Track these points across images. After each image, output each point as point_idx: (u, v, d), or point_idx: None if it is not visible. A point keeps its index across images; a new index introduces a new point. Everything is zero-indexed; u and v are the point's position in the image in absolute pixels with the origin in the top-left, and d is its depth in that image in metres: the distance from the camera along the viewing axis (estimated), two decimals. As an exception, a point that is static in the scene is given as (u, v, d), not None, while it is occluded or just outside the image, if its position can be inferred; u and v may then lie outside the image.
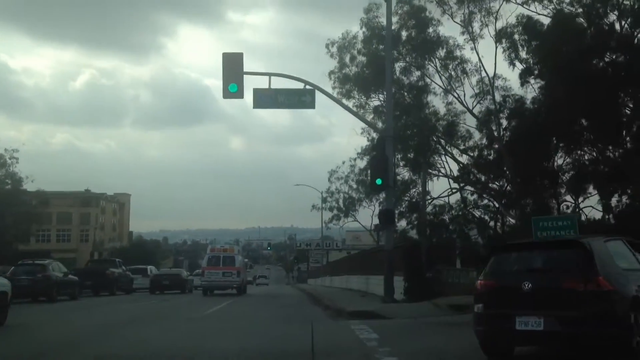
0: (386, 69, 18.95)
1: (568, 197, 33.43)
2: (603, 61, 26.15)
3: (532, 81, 31.07)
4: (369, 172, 27.05)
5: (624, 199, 34.34)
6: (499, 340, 7.28)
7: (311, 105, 18.64)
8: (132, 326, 12.97)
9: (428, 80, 30.44)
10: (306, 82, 18.74)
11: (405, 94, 30.54)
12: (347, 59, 30.59)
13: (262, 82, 18.81)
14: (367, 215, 51.96)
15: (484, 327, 7.24)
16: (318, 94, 18.88)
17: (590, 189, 33.02)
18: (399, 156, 33.93)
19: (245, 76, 18.44)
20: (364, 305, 16.64)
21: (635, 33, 25.60)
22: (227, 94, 18.23)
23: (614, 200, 35.04)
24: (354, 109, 32.27)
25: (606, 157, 29.25)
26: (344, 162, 44.99)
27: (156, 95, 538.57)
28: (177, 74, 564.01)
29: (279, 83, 19.30)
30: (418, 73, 29.98)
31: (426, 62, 30.29)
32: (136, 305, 21.25)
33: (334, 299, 21.33)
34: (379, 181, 17.51)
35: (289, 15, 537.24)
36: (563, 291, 6.75)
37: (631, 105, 26.27)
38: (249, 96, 18.90)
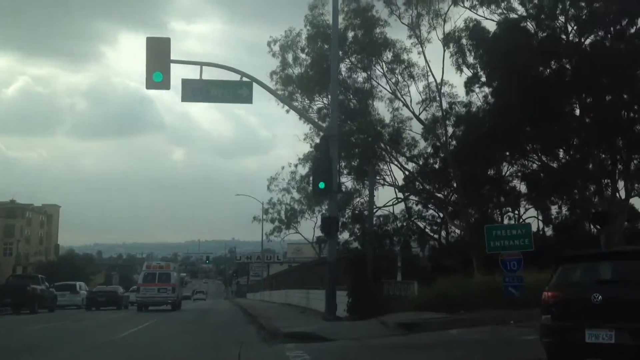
0: (331, 52, 17.25)
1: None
2: (550, 68, 25.63)
3: (477, 90, 30.49)
4: (311, 178, 25.27)
5: (564, 210, 34.16)
6: (568, 353, 7.08)
7: (248, 99, 16.70)
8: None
9: (374, 82, 29.14)
10: (243, 74, 16.81)
11: (351, 96, 29.06)
12: (290, 59, 28.89)
13: (194, 75, 16.79)
14: (309, 227, 50.16)
15: (552, 339, 7.10)
16: (259, 96, 16.89)
17: (530, 199, 32.75)
18: (343, 164, 32.43)
19: (175, 68, 16.32)
20: (303, 325, 14.73)
21: (583, 39, 25.22)
22: (150, 84, 16.04)
23: (554, 212, 34.86)
24: (297, 113, 30.59)
25: (550, 167, 28.77)
26: (283, 168, 42.31)
27: (94, 104, 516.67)
28: (116, 83, 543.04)
29: (212, 76, 17.35)
30: (364, 74, 28.61)
31: (372, 65, 28.97)
32: (45, 327, 18.49)
33: (270, 316, 19.30)
34: (321, 185, 15.76)
35: (234, 26, 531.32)
36: (635, 303, 6.49)
37: (577, 114, 25.80)
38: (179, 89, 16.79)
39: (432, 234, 35.53)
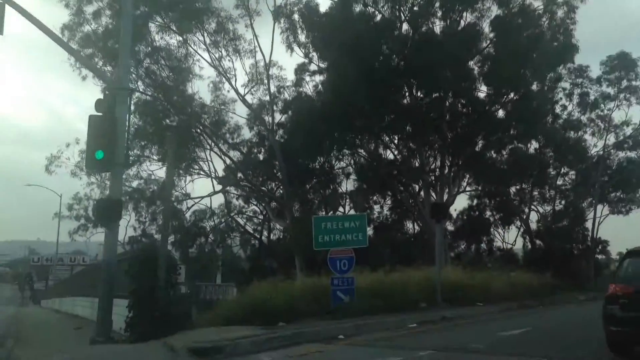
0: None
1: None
2: (383, 54, 23.98)
3: (307, 79, 28.37)
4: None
5: (386, 209, 33.29)
6: (636, 341, 7.58)
7: (-5, 27, 11.63)
8: None
9: (192, 49, 24.70)
10: (-13, -8, 11.69)
11: (164, 62, 24.35)
12: (89, 12, 23.23)
13: None
14: (122, 226, 43.57)
15: (621, 328, 7.53)
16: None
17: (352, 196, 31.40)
18: (153, 149, 27.57)
19: None
20: (60, 351, 10.25)
21: (418, 26, 23.98)
22: None
23: (375, 212, 33.78)
24: (96, 84, 25.14)
25: (378, 163, 27.40)
26: (68, 145, 31.39)
27: None
28: None
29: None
30: (179, 38, 24.06)
31: (193, 33, 24.62)
32: None
33: (27, 335, 14.22)
34: (99, 154, 11.35)
35: None
36: None
37: (407, 101, 24.45)
38: None
39: (252, 232, 32.27)
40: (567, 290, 25.18)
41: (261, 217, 31.88)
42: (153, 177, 28.89)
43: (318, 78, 27.95)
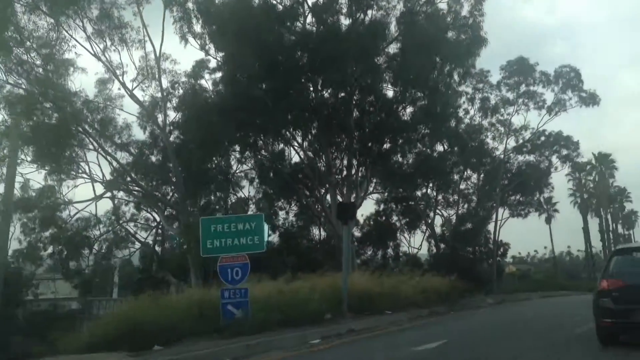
0: None
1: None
2: (284, 48, 22.36)
3: (207, 76, 26.46)
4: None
5: (291, 215, 31.69)
6: (626, 330, 8.33)
7: None
8: None
9: (66, 34, 21.41)
10: None
11: (34, 49, 21.12)
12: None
13: None
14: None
15: (614, 319, 8.17)
16: None
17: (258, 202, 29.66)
18: (28, 150, 24.09)
19: None
20: None
21: (319, 24, 22.64)
22: None
23: (281, 218, 32.03)
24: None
25: (281, 166, 25.79)
26: None
27: None
28: None
29: None
30: (51, 20, 20.88)
31: (72, 19, 21.64)
32: None
33: None
34: None
35: None
36: None
37: (312, 97, 22.93)
38: None
39: (145, 241, 29.35)
40: (474, 293, 24.86)
41: (154, 224, 29.12)
42: (32, 182, 25.41)
43: (219, 75, 26.02)
